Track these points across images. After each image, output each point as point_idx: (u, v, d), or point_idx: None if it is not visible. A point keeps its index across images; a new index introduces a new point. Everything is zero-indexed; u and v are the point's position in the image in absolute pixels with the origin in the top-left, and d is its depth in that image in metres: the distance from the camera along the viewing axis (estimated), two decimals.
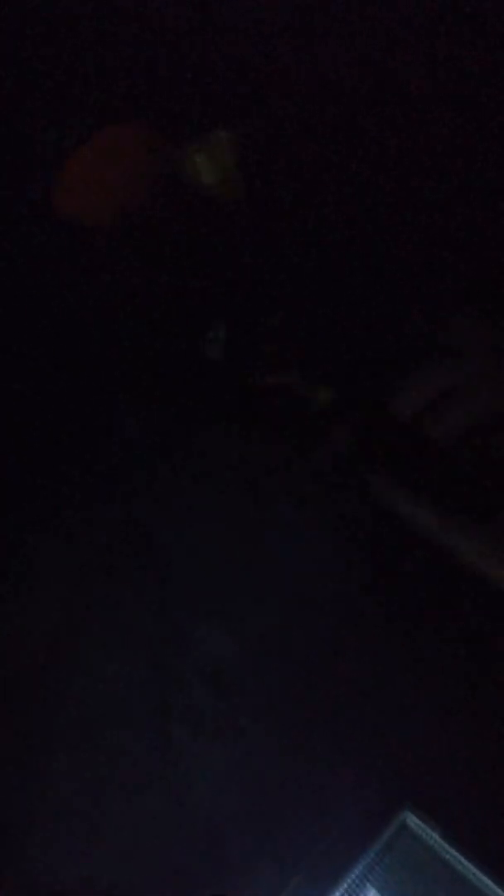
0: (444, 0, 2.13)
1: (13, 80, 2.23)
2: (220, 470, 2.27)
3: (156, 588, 2.07)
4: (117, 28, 2.23)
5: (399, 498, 2.09)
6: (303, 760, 1.77)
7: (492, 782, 1.65)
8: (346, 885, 1.52)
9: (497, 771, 1.66)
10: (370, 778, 1.68)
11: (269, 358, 2.36)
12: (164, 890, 1.69)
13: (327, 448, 2.26)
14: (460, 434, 2.09)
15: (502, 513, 2.01)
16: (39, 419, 2.34)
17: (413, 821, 1.55)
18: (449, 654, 1.87)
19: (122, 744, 1.86)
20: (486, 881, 1.47)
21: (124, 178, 2.28)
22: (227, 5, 2.21)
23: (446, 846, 1.51)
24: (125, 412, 2.37)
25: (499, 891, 1.46)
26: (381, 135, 2.27)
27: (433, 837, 1.52)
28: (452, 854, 1.50)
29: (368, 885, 1.51)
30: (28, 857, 1.75)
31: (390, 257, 2.30)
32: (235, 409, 2.39)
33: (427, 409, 2.13)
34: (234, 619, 2.01)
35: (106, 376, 2.38)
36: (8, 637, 2.05)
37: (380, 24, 2.19)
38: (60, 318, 2.35)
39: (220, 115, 2.28)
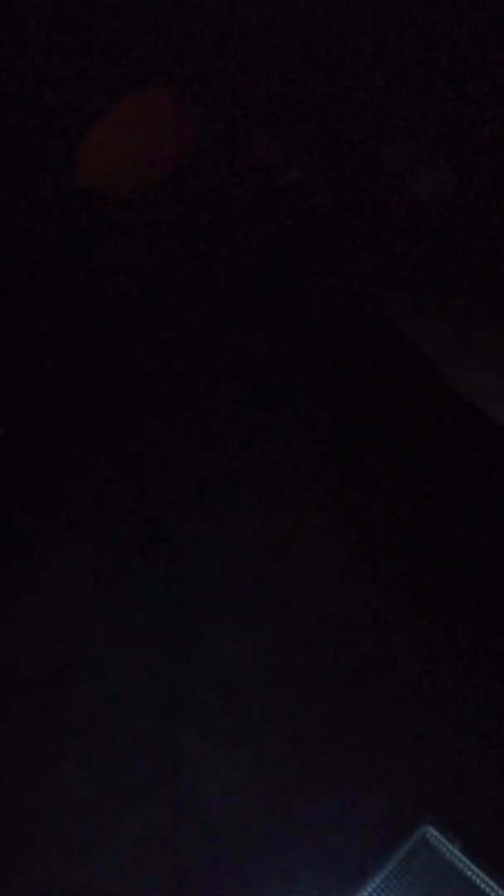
0: None
1: (39, 46, 2.17)
2: (238, 471, 2.24)
3: (168, 589, 2.03)
4: None
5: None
6: (315, 770, 1.73)
7: None
8: None
9: None
10: (388, 789, 1.65)
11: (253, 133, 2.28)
12: None
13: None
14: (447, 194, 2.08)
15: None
16: (53, 411, 2.30)
17: (433, 834, 1.51)
18: (469, 663, 1.84)
19: (128, 747, 1.82)
20: None
21: (150, 144, 2.21)
22: None
23: (467, 861, 1.48)
24: (143, 408, 2.33)
25: None
26: None
27: (453, 851, 1.49)
28: (473, 869, 1.47)
29: None
30: (30, 861, 1.71)
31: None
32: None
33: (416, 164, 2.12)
34: (247, 623, 1.97)
35: (124, 367, 2.34)
36: (14, 636, 2.00)
37: None
38: (76, 300, 2.32)
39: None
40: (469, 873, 1.47)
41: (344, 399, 2.34)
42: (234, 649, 1.94)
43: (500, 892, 1.44)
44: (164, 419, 2.31)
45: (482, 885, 1.46)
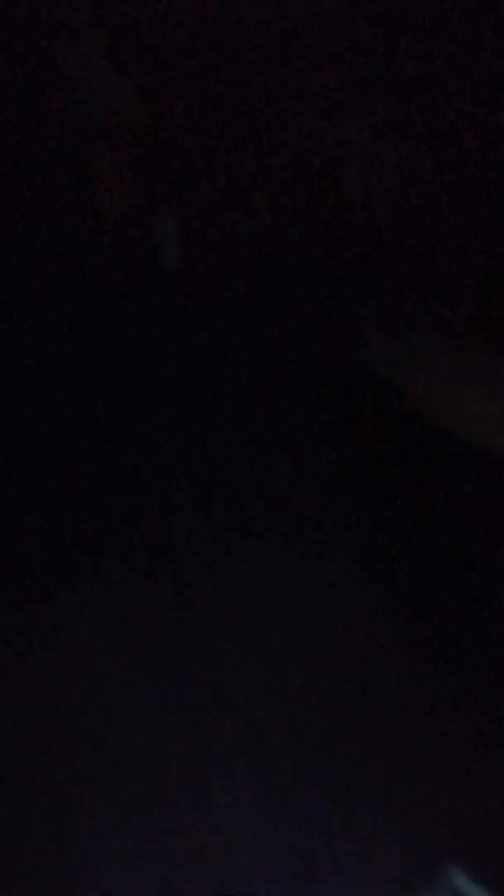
0: None
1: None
2: (266, 521, 2.24)
3: (194, 642, 2.02)
4: None
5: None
6: (339, 814, 1.68)
7: None
8: None
9: None
10: (412, 833, 1.59)
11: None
12: None
13: None
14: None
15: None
16: (61, 434, 2.35)
17: (459, 880, 1.45)
18: (495, 695, 1.80)
19: (150, 796, 1.78)
20: None
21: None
22: None
23: None
24: (170, 460, 2.37)
25: None
26: None
27: None
28: None
29: None
30: None
31: None
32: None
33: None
34: (275, 677, 1.93)
35: (129, 385, 2.40)
36: (23, 676, 2.00)
37: None
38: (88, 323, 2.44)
39: None
40: None
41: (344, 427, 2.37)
42: (261, 702, 1.90)
43: None
44: (187, 474, 2.34)
45: None
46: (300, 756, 1.79)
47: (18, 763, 1.85)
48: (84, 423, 2.45)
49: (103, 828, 1.74)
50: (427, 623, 1.99)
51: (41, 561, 2.20)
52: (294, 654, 1.98)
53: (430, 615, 2.00)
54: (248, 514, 2.25)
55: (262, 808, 1.73)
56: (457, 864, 1.46)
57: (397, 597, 2.06)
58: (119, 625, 2.06)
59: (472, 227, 2.44)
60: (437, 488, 2.17)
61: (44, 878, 1.69)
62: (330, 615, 2.05)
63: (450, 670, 1.88)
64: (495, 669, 1.85)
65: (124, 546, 2.20)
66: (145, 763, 1.83)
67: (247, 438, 2.36)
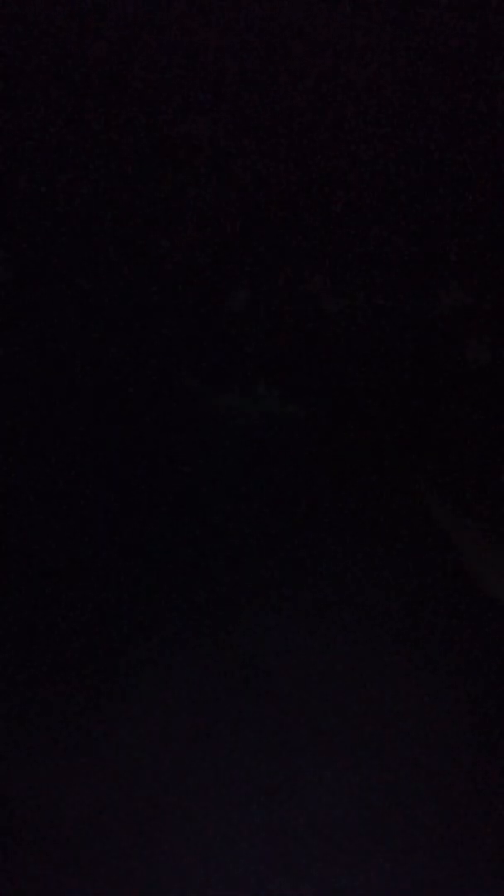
0: None
1: None
2: (339, 618, 2.31)
3: (270, 734, 2.07)
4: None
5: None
6: None
7: None
8: None
9: None
10: None
11: None
12: None
13: None
14: None
15: None
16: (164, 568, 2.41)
17: None
18: None
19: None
20: None
21: None
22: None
23: None
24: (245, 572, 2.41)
25: None
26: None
27: None
28: None
29: None
30: None
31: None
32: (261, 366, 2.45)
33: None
34: (351, 778, 1.99)
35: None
36: (102, 778, 2.06)
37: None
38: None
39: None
40: None
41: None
42: (336, 800, 1.95)
43: None
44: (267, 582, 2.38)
45: None
46: (377, 866, 1.88)
47: None
48: None
49: None
50: None
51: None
52: (372, 761, 2.05)
53: None
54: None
55: None
56: None
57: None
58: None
59: None
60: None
61: None
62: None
63: None
64: None
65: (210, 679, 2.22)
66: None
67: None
